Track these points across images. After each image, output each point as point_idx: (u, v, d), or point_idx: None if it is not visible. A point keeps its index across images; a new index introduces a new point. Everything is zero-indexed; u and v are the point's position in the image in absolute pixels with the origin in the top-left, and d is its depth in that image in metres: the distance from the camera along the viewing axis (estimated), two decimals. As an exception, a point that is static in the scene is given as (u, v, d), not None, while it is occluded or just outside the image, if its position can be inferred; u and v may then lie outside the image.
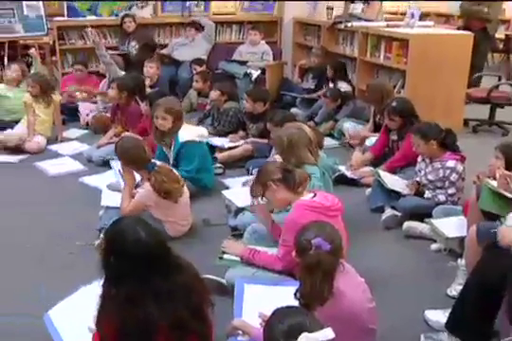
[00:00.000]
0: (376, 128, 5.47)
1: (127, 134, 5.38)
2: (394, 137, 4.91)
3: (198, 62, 7.29)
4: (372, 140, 5.34)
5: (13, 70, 6.47)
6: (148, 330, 2.10)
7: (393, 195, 4.22)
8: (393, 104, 4.75)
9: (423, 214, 3.93)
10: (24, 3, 8.05)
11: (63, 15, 8.35)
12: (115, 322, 2.10)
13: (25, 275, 3.41)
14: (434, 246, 3.75)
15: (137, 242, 2.17)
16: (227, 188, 4.64)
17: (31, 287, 3.22)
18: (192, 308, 2.21)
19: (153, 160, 3.81)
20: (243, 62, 7.46)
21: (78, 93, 7.04)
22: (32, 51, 6.62)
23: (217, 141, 5.52)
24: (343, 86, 6.49)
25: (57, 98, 6.14)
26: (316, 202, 3.00)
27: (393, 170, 4.58)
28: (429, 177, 4.13)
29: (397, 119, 4.73)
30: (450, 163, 4.04)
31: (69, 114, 6.76)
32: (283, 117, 4.64)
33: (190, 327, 2.18)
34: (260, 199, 3.27)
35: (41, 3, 8.19)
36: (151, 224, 2.33)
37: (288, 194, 3.10)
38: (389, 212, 4.13)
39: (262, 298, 2.85)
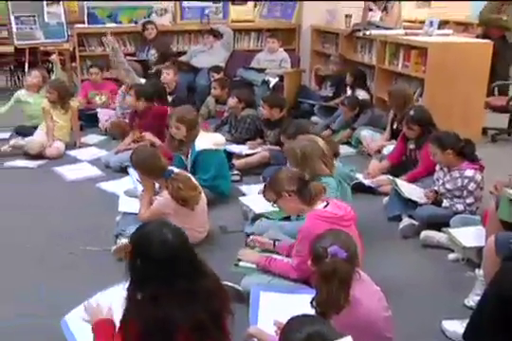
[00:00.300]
0: (394, 136, 5.44)
1: (147, 134, 5.46)
2: (412, 146, 4.89)
3: (216, 69, 7.31)
4: (389, 148, 5.33)
5: (34, 76, 6.55)
6: (170, 330, 2.12)
7: (411, 204, 4.20)
8: (412, 113, 4.73)
9: (441, 223, 3.90)
10: (45, 10, 8.15)
11: (83, 22, 8.47)
12: (139, 323, 2.12)
13: (45, 277, 3.43)
14: (452, 256, 3.72)
15: (163, 243, 2.20)
16: (243, 194, 4.65)
17: (54, 290, 3.25)
18: (213, 313, 2.23)
19: (170, 167, 3.82)
20: (261, 70, 7.48)
21: (97, 99, 7.11)
22: (53, 57, 6.70)
23: (235, 148, 5.53)
24: (361, 94, 6.47)
25: (75, 104, 6.20)
26: (328, 212, 3.00)
27: (413, 181, 4.54)
28: (448, 186, 4.11)
29: (416, 128, 4.72)
30: (469, 172, 4.02)
31: (88, 120, 6.82)
32: (297, 130, 4.61)
33: (209, 331, 2.19)
34: (272, 204, 3.27)
35: (62, 10, 8.29)
36: (178, 227, 2.34)
37: (302, 205, 3.10)
38: (406, 221, 4.11)
39: (277, 306, 2.86)
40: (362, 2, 7.95)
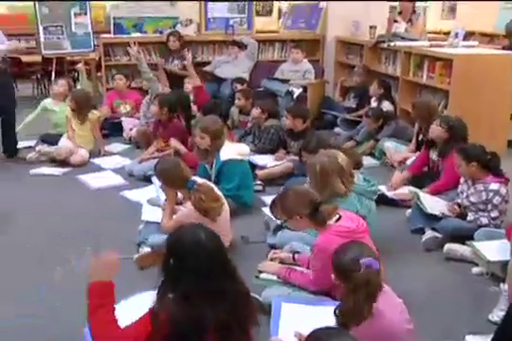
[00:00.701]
0: (419, 148, 5.41)
1: (172, 141, 5.48)
2: (435, 156, 4.86)
3: (240, 80, 7.34)
4: (413, 160, 5.30)
5: (60, 85, 6.64)
6: (201, 330, 2.14)
7: (434, 216, 4.16)
8: (448, 115, 4.68)
9: (464, 236, 3.86)
10: (73, 20, 8.27)
11: (109, 32, 8.56)
12: (170, 323, 2.13)
13: (68, 283, 3.46)
14: (476, 270, 3.68)
15: (196, 244, 2.23)
16: (266, 205, 4.64)
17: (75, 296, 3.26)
18: (239, 317, 2.25)
19: (194, 178, 3.83)
20: (285, 81, 7.49)
21: (122, 108, 7.18)
22: (79, 66, 6.79)
23: (260, 160, 5.55)
24: (386, 105, 6.46)
25: (94, 115, 6.25)
26: (342, 226, 3.00)
27: (437, 194, 4.50)
28: (472, 199, 4.07)
29: (445, 129, 4.67)
30: (494, 186, 3.97)
31: (113, 128, 6.90)
32: (318, 144, 4.61)
33: (233, 333, 2.21)
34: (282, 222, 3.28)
35: (89, 21, 8.41)
36: (212, 230, 2.37)
37: (313, 226, 3.10)
38: (429, 234, 4.07)
39: (298, 317, 2.85)
40: (388, 13, 7.98)
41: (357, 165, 4.08)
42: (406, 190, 4.82)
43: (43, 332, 2.72)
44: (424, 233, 4.12)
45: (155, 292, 2.26)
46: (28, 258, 3.86)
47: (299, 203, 3.05)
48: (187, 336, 2.15)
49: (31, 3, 8.50)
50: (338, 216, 3.06)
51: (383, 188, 4.84)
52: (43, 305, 3.08)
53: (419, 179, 4.97)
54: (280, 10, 13.14)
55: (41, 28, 8.24)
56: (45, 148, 6.05)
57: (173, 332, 2.13)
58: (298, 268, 3.29)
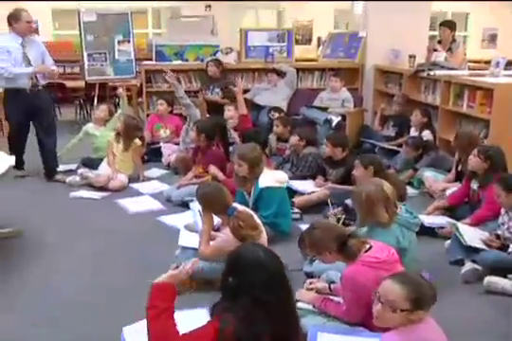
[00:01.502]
0: (459, 179, 5.35)
1: (211, 167, 5.52)
2: (475, 187, 4.80)
3: (277, 109, 7.39)
4: (452, 190, 5.23)
5: (101, 110, 6.82)
6: None
7: (474, 248, 4.08)
8: (487, 145, 4.64)
9: (505, 269, 3.79)
10: (116, 48, 8.48)
11: (151, 59, 8.75)
12: (234, 337, 2.19)
13: (98, 311, 3.49)
14: (518, 304, 3.60)
15: (256, 259, 2.29)
16: (303, 233, 4.62)
17: (109, 320, 3.30)
18: (292, 331, 2.31)
19: (234, 204, 3.83)
20: (323, 109, 7.51)
21: (161, 132, 7.29)
22: (120, 91, 6.93)
23: (300, 185, 5.53)
24: (426, 135, 6.42)
25: (137, 144, 6.35)
26: (370, 256, 2.97)
27: (477, 224, 4.43)
28: (513, 231, 3.99)
29: (483, 159, 4.62)
30: (536, 217, 3.90)
31: (152, 154, 6.99)
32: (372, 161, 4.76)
33: None
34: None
35: (132, 48, 8.60)
36: (270, 249, 2.43)
37: (342, 260, 3.09)
38: (469, 266, 3.99)
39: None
40: (427, 42, 7.99)
41: (401, 197, 4.06)
42: (444, 221, 4.76)
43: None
44: (463, 265, 4.04)
45: (210, 310, 2.36)
46: (66, 280, 3.91)
47: (326, 238, 3.04)
48: None
49: (77, 31, 8.77)
50: (368, 246, 3.04)
51: (421, 217, 4.78)
52: (102, 329, 3.10)
53: (458, 209, 4.90)
54: (319, 39, 13.31)
55: (85, 55, 8.47)
56: (85, 172, 6.15)
57: None
58: (334, 298, 3.26)
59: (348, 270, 2.99)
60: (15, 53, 5.84)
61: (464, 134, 5.46)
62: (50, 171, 6.31)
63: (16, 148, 6.16)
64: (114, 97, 9.84)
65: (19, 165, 6.16)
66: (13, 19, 5.85)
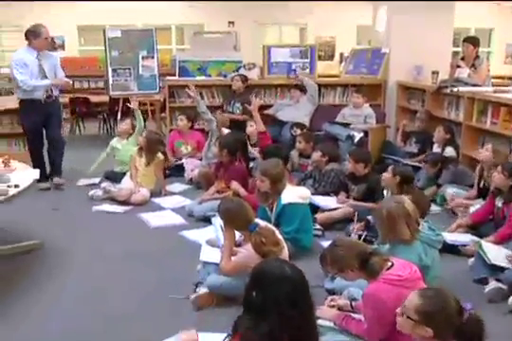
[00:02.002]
0: (482, 195, 5.30)
1: (233, 183, 5.53)
2: (500, 204, 4.74)
3: (299, 125, 7.40)
4: (476, 207, 5.18)
5: (125, 123, 6.95)
6: None
7: (499, 266, 4.03)
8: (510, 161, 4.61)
9: (531, 289, 3.73)
10: (140, 63, 8.58)
11: (174, 75, 8.83)
12: None
13: (119, 323, 3.49)
14: (543, 325, 3.53)
15: (282, 274, 2.30)
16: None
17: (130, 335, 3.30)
18: None
19: (256, 220, 3.83)
20: (346, 125, 7.49)
21: (183, 148, 7.33)
22: (133, 104, 6.96)
23: (322, 201, 5.51)
24: (449, 151, 6.39)
25: (159, 158, 6.38)
26: (392, 274, 2.95)
27: (503, 242, 4.38)
28: (539, 249, 3.94)
29: (507, 176, 4.59)
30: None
31: (174, 169, 7.02)
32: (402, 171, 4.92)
33: None
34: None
35: (156, 64, 8.69)
36: (295, 265, 2.43)
37: (364, 277, 3.07)
38: (493, 284, 3.93)
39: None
40: (450, 58, 7.97)
41: (423, 214, 4.04)
42: (467, 239, 4.71)
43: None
44: (487, 283, 3.97)
45: (233, 325, 2.34)
46: (86, 295, 3.92)
47: (348, 256, 3.03)
48: None
49: (102, 47, 8.89)
50: (390, 264, 3.02)
51: (444, 235, 4.74)
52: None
53: (482, 227, 4.85)
54: (341, 55, 13.36)
55: (110, 71, 8.57)
56: (108, 186, 6.20)
57: None
58: (356, 316, 3.23)
59: (370, 288, 2.97)
60: (32, 66, 6.16)
61: (503, 154, 5.39)
62: (54, 171, 6.68)
63: (36, 158, 6.51)
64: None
65: (42, 177, 6.22)
66: (33, 35, 6.14)
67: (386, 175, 4.92)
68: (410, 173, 5.05)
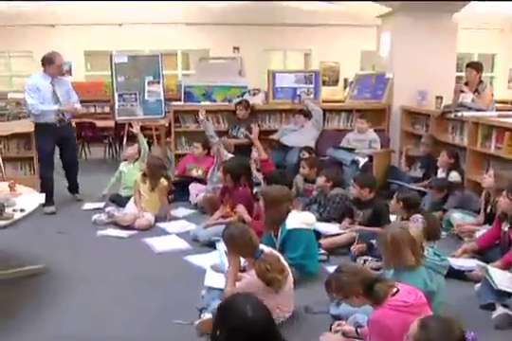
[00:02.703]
0: (488, 221, 5.28)
1: (239, 208, 5.53)
2: (506, 228, 4.72)
3: (308, 149, 7.43)
4: (482, 232, 5.16)
5: (131, 148, 6.98)
6: None
7: (506, 292, 4.00)
8: None
9: (539, 315, 3.69)
10: (146, 88, 8.66)
11: (180, 100, 8.89)
12: None
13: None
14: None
15: (244, 319, 2.24)
16: (330, 275, 4.58)
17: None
18: None
19: (261, 246, 3.82)
20: (350, 150, 7.52)
21: (193, 171, 7.39)
22: (134, 129, 7.00)
23: (324, 227, 5.49)
24: (453, 176, 6.39)
25: (163, 184, 6.38)
26: (399, 300, 2.94)
27: (509, 267, 4.34)
28: (545, 276, 3.91)
29: None
30: None
31: (179, 193, 7.02)
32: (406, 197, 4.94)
33: None
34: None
35: (161, 89, 8.76)
36: (261, 303, 2.35)
37: (369, 303, 3.06)
38: (500, 310, 3.89)
39: None
40: (454, 83, 8.01)
41: (435, 237, 4.05)
42: (473, 264, 4.68)
43: None
44: (494, 309, 3.94)
45: None
46: (90, 319, 3.89)
47: (353, 282, 3.03)
48: None
49: (108, 72, 8.98)
50: (395, 290, 3.01)
51: (450, 260, 4.72)
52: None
53: (489, 252, 4.83)
54: (346, 80, 13.44)
55: (116, 96, 8.64)
56: (112, 211, 6.21)
57: None
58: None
59: (375, 314, 2.96)
60: (44, 91, 6.44)
61: (506, 177, 5.38)
62: (73, 188, 7.18)
63: (45, 182, 6.62)
64: (143, 136, 9.99)
65: (48, 200, 6.28)
66: (47, 62, 6.46)
67: (392, 202, 4.97)
68: (413, 197, 5.07)
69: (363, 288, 3.00)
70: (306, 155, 7.21)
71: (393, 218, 5.31)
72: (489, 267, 4.24)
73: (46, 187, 6.51)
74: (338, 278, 3.12)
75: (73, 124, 7.16)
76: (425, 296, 3.08)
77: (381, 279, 3.07)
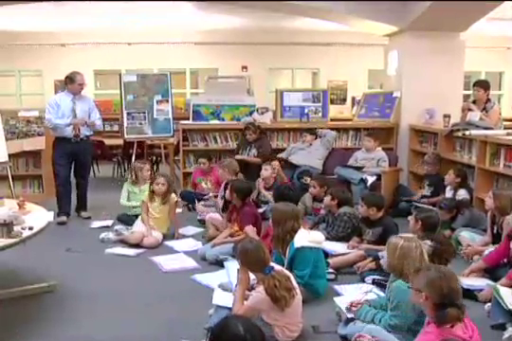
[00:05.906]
0: (495, 241, 5.25)
1: (248, 228, 5.53)
2: (514, 246, 4.70)
3: (308, 173, 7.48)
4: (490, 250, 5.13)
5: (146, 169, 6.98)
6: None
7: (517, 312, 3.96)
8: None
9: (550, 335, 3.65)
10: (155, 107, 8.73)
11: (188, 118, 8.94)
12: None
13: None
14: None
15: (234, 337, 2.21)
16: (338, 294, 4.55)
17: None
18: None
19: (272, 264, 3.81)
20: (358, 168, 7.52)
21: (203, 183, 7.51)
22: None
23: (332, 246, 5.48)
24: (462, 194, 6.37)
25: (173, 199, 6.40)
26: (452, 332, 2.87)
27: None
28: (555, 294, 3.87)
29: None
30: None
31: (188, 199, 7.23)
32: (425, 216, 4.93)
33: None
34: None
35: (170, 108, 8.82)
36: (257, 326, 2.34)
37: (429, 314, 3.04)
38: (511, 331, 3.86)
39: None
40: (462, 102, 8.02)
41: (447, 260, 4.04)
42: (483, 283, 4.65)
43: None
44: (505, 329, 3.90)
45: None
46: (97, 338, 3.88)
47: (436, 286, 2.96)
48: None
49: (117, 90, 9.05)
50: (460, 324, 2.94)
51: (459, 280, 4.68)
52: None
53: (498, 271, 4.79)
54: (353, 99, 13.48)
55: (125, 114, 8.70)
56: (120, 229, 6.22)
57: None
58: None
59: (426, 337, 2.91)
60: (64, 107, 6.86)
61: (505, 195, 5.37)
62: (81, 206, 7.26)
63: (60, 192, 6.99)
64: (151, 155, 10.04)
65: (62, 210, 6.98)
66: (69, 81, 6.95)
67: (411, 221, 4.96)
68: (433, 217, 5.00)
69: (439, 299, 2.93)
70: (308, 180, 7.15)
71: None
72: (500, 287, 4.20)
73: (61, 198, 6.97)
74: (429, 272, 3.04)
75: (91, 141, 7.36)
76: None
77: (459, 306, 2.96)
